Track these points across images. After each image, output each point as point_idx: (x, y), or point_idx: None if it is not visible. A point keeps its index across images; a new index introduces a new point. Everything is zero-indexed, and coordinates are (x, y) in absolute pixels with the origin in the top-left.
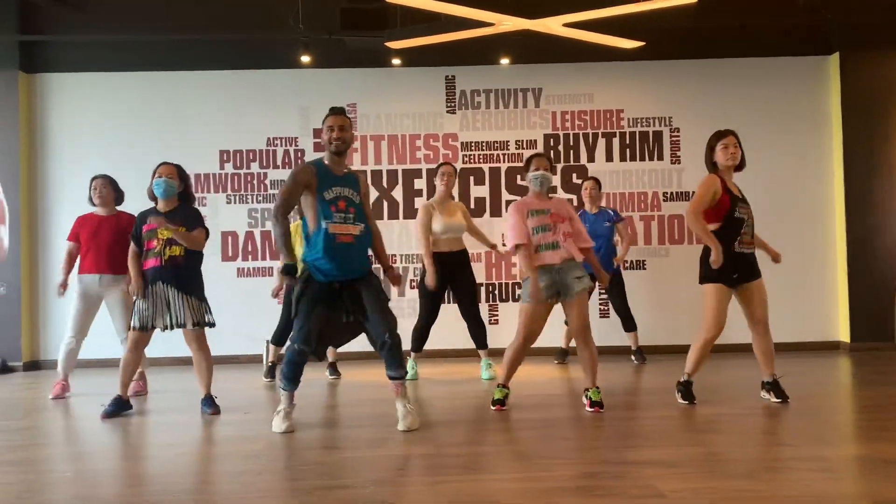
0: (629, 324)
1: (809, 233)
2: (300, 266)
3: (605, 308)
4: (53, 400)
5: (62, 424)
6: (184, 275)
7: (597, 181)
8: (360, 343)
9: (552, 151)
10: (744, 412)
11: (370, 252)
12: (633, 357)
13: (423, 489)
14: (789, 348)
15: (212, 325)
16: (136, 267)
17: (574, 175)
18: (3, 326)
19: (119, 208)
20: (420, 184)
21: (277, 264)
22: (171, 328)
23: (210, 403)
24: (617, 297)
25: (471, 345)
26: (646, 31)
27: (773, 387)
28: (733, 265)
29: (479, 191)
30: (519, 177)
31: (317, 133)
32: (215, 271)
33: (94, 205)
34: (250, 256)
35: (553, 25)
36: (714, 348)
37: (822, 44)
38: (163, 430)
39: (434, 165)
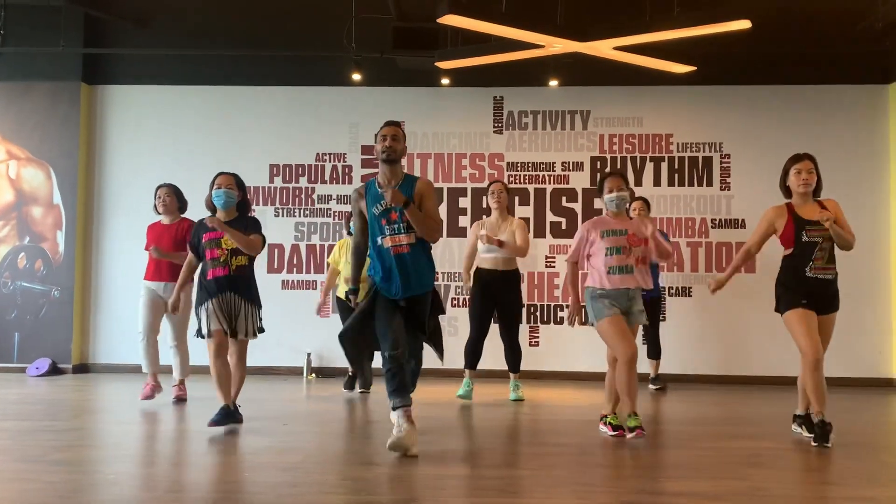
0: (656, 351)
1: (864, 266)
2: (364, 286)
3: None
4: (143, 400)
5: (108, 428)
6: (249, 284)
7: (646, 201)
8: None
9: (598, 175)
10: (788, 447)
11: (433, 268)
12: (651, 385)
13: None
14: (839, 383)
15: (262, 330)
16: (185, 278)
17: None
18: (55, 329)
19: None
20: (465, 202)
21: (321, 278)
22: (235, 336)
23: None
24: (651, 321)
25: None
26: (698, 55)
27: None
28: (805, 290)
29: (524, 211)
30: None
31: (365, 150)
32: (260, 283)
33: (158, 213)
34: (295, 269)
35: (603, 48)
36: (763, 380)
37: (879, 73)
38: (202, 438)
39: (481, 184)
